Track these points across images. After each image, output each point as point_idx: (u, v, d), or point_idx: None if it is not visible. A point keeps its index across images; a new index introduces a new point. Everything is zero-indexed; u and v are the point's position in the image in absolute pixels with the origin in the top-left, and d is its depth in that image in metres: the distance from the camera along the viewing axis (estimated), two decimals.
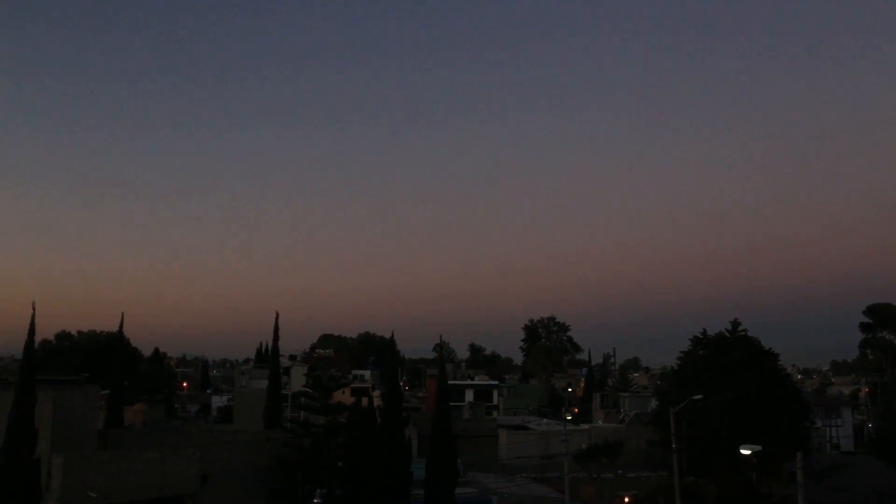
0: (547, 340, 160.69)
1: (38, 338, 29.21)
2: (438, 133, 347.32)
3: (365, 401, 45.13)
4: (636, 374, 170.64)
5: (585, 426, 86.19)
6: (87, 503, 29.47)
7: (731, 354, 52.41)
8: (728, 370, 51.11)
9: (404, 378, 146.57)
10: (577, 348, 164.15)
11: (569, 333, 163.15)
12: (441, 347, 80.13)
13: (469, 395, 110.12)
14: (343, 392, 65.07)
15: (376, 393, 78.53)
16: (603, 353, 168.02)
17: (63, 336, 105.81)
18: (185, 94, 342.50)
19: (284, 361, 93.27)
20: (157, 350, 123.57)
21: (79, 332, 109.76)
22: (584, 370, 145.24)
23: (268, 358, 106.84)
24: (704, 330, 56.35)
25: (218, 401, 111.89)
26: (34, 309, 27.74)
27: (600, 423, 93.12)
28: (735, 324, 55.48)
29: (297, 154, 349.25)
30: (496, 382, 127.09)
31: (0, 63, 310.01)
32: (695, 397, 41.92)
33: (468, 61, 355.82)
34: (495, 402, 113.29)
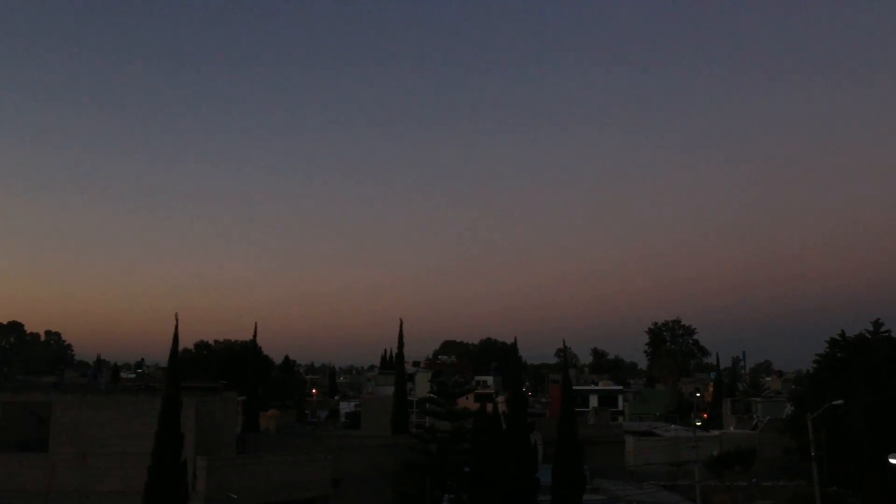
0: (672, 344, 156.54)
1: (179, 347, 30.85)
2: (555, 137, 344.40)
3: (489, 406, 45.38)
4: (768, 379, 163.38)
5: (715, 432, 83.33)
6: (228, 503, 31.07)
7: (873, 357, 49.50)
8: (870, 373, 48.32)
9: (526, 384, 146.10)
10: (703, 352, 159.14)
11: (695, 336, 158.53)
12: (564, 352, 79.40)
13: (593, 401, 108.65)
14: (466, 398, 65.55)
15: (500, 398, 78.66)
16: (732, 357, 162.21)
17: (201, 345, 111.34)
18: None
19: (408, 368, 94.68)
20: (287, 358, 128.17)
21: (215, 342, 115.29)
22: (713, 374, 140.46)
23: (392, 364, 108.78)
24: (843, 331, 53.48)
25: (346, 407, 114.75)
26: (177, 320, 29.39)
27: (731, 429, 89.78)
28: (877, 324, 52.39)
29: (419, 163, 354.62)
30: (620, 387, 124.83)
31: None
32: (835, 402, 39.86)
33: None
34: (620, 408, 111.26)
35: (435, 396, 44.43)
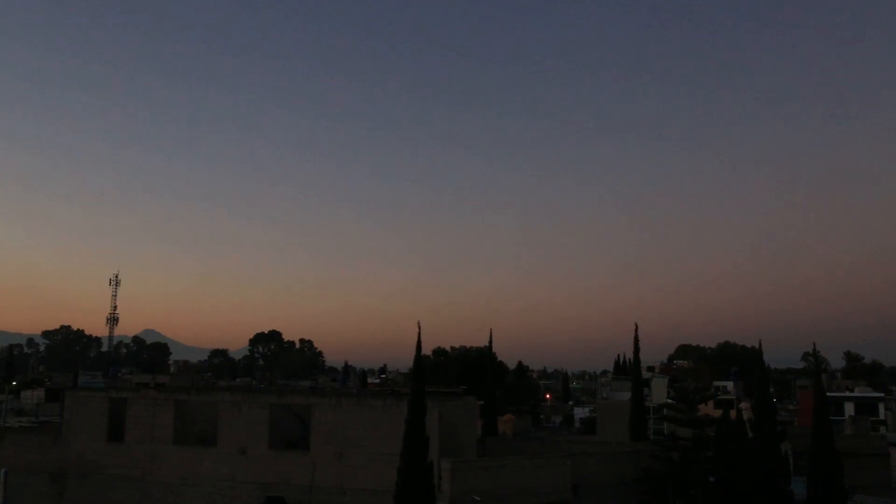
0: None
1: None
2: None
3: (733, 413, 43.19)
4: None
5: None
6: None
7: None
8: None
9: (771, 390, 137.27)
10: None
11: None
12: (815, 356, 73.60)
13: (849, 409, 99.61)
14: (706, 404, 62.80)
15: (743, 405, 74.47)
16: None
17: (439, 352, 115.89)
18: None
19: (643, 373, 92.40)
20: (520, 363, 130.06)
21: (451, 348, 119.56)
22: None
23: (626, 369, 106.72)
24: None
25: (580, 412, 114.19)
26: (419, 328, 30.91)
27: None
28: None
29: (655, 173, 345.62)
30: (881, 394, 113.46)
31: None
32: None
33: None
34: (882, 417, 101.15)
35: (674, 402, 43.09)
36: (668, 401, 44.82)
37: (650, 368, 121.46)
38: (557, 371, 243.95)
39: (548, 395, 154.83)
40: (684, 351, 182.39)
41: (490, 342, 63.35)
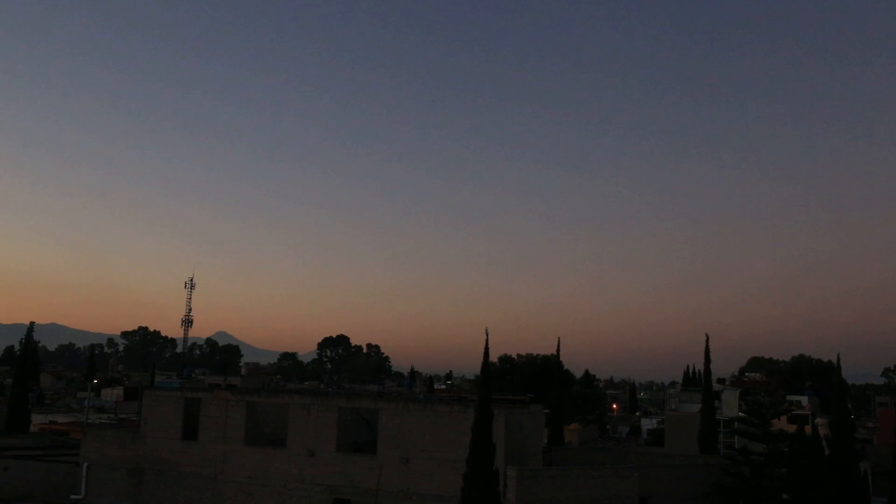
0: None
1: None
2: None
3: (808, 429, 41.95)
4: None
5: None
6: None
7: None
8: None
9: (849, 406, 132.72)
10: None
11: None
12: None
13: None
14: (780, 419, 61.13)
15: (818, 421, 72.20)
16: None
17: (505, 359, 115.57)
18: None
19: (714, 385, 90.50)
20: (587, 372, 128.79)
21: (518, 356, 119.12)
22: None
23: (695, 381, 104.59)
24: None
25: (647, 423, 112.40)
26: (487, 334, 30.92)
27: None
28: None
29: (725, 189, 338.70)
30: None
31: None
32: None
33: None
34: None
35: (746, 416, 42.08)
36: (740, 414, 43.75)
37: (720, 380, 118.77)
38: (624, 381, 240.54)
39: (614, 406, 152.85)
40: (756, 363, 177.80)
41: (558, 350, 63.11)
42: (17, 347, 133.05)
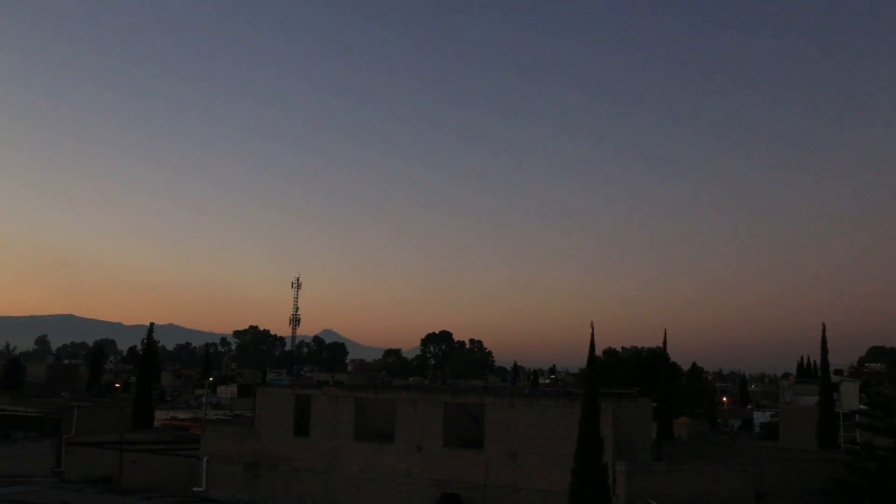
0: None
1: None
2: None
3: None
4: None
5: None
6: None
7: None
8: None
9: None
10: None
11: None
12: None
13: None
14: None
15: None
16: None
17: (609, 352, 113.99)
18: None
19: (831, 376, 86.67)
20: (694, 364, 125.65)
21: (622, 349, 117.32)
22: None
23: (810, 372, 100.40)
24: None
25: (759, 416, 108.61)
26: (593, 327, 30.59)
27: None
28: None
29: (823, 167, 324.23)
30: None
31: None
32: None
33: None
34: None
35: (869, 408, 40.12)
36: (862, 407, 41.74)
37: (838, 372, 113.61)
38: (734, 373, 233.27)
39: (724, 398, 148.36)
40: (877, 353, 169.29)
41: (664, 342, 61.78)
42: (139, 347, 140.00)
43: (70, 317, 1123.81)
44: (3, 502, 30.80)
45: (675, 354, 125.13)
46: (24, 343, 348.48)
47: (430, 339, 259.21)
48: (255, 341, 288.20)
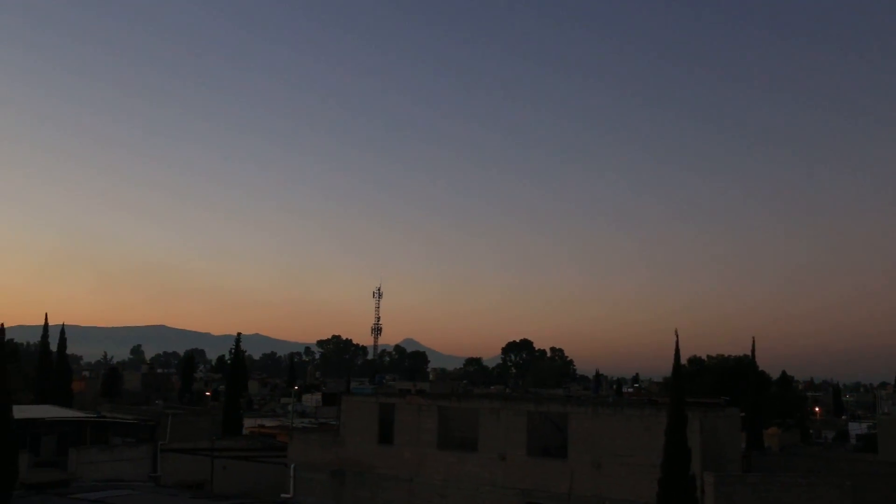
0: None
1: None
2: None
3: None
4: None
5: None
6: None
7: None
8: None
9: None
10: None
11: None
12: None
13: None
14: None
15: None
16: None
17: (694, 360, 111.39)
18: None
19: None
20: (784, 373, 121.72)
21: (708, 357, 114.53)
22: None
23: None
24: None
25: (856, 428, 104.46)
26: (677, 336, 30.03)
27: None
28: None
29: None
30: None
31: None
32: None
33: None
34: None
35: None
36: None
37: None
38: (826, 382, 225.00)
39: (816, 409, 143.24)
40: None
41: (753, 350, 60.27)
42: (227, 357, 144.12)
43: (161, 327, 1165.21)
44: None
45: (763, 362, 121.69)
46: (119, 353, 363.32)
47: (510, 348, 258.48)
48: (337, 350, 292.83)
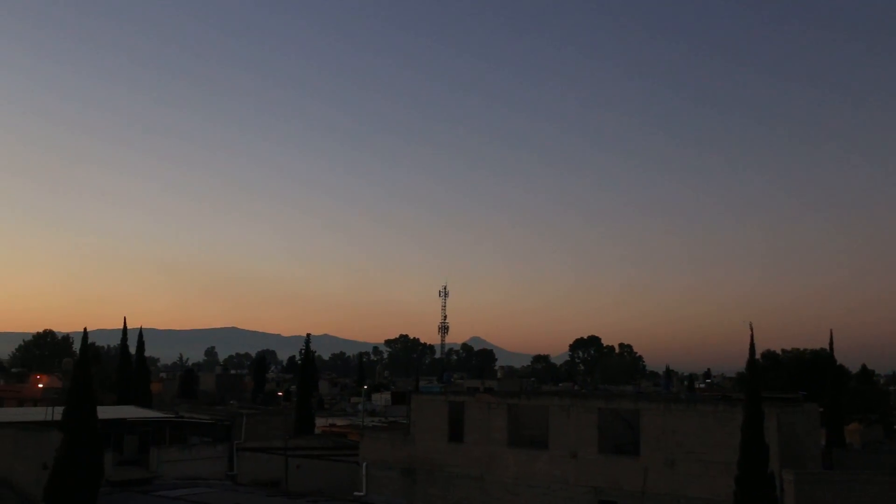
0: None
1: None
2: None
3: None
4: None
5: None
6: None
7: None
8: None
9: None
10: None
11: None
12: None
13: None
14: None
15: None
16: None
17: (768, 355, 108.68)
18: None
19: None
20: (864, 367, 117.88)
21: (783, 351, 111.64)
22: None
23: None
24: None
25: None
26: (752, 329, 29.34)
27: None
28: None
29: None
30: None
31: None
32: None
33: None
34: None
35: None
36: None
37: None
38: None
39: None
40: None
41: (831, 344, 58.48)
42: (297, 357, 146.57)
43: (233, 329, 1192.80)
44: (191, 501, 33.18)
45: (842, 356, 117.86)
46: (194, 355, 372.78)
47: (578, 345, 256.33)
48: (405, 349, 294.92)
